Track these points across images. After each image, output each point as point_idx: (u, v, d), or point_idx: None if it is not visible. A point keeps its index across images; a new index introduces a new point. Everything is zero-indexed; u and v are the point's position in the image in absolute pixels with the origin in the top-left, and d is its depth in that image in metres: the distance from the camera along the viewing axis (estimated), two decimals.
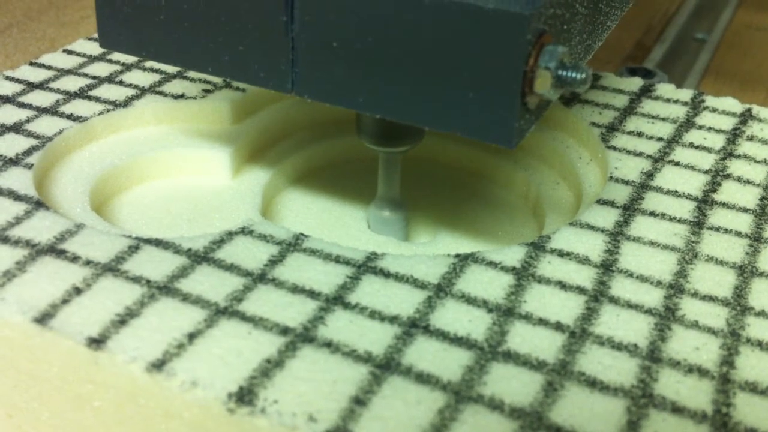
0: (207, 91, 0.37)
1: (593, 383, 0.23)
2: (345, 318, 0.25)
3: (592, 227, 0.29)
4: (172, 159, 0.34)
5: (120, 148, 0.34)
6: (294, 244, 0.28)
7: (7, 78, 0.37)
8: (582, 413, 0.22)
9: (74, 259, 0.26)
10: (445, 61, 0.23)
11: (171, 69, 0.38)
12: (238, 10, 0.25)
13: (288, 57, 0.25)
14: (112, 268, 0.26)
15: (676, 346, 0.24)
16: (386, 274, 0.26)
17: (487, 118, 0.23)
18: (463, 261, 0.27)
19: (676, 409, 0.22)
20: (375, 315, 0.25)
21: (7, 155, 0.32)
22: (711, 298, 0.26)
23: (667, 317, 0.25)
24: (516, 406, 0.22)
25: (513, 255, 0.28)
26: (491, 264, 0.27)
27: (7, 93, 0.36)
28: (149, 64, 0.39)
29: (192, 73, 0.38)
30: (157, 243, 0.27)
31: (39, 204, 0.29)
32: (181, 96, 0.36)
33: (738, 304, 0.26)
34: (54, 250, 0.27)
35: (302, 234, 0.28)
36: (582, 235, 0.29)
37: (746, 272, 0.27)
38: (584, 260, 0.27)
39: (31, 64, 0.38)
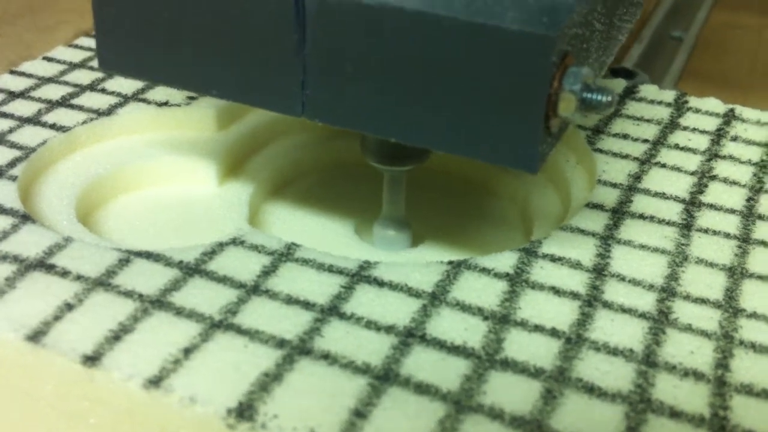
0: (191, 98, 0.36)
1: (591, 389, 0.23)
2: (341, 329, 0.24)
3: (582, 231, 0.29)
4: (157, 168, 0.34)
5: (104, 158, 0.34)
6: (286, 254, 0.27)
7: None
8: (582, 420, 0.22)
9: (64, 273, 0.26)
10: (465, 83, 0.23)
11: None
12: (247, 31, 0.25)
13: (298, 79, 0.24)
14: (103, 282, 0.26)
15: (671, 350, 0.24)
16: (380, 283, 0.26)
17: (509, 143, 0.23)
18: (456, 268, 0.27)
19: (674, 414, 0.22)
20: (371, 325, 0.25)
21: None
22: (703, 301, 0.26)
23: (660, 321, 0.25)
24: (516, 414, 0.22)
25: (506, 261, 0.28)
26: (484, 270, 0.27)
27: None
28: None
29: None
30: (148, 255, 0.27)
31: (25, 217, 0.29)
32: (165, 103, 0.36)
33: (730, 306, 0.26)
34: (43, 265, 0.26)
35: (294, 243, 0.28)
36: (573, 239, 0.29)
37: (736, 274, 0.28)
38: (576, 265, 0.28)
39: (11, 72, 0.38)
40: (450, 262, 0.27)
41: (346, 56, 0.24)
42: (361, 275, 0.27)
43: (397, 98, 0.24)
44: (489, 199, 0.36)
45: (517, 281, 0.27)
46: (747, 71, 0.55)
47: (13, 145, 0.33)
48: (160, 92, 0.37)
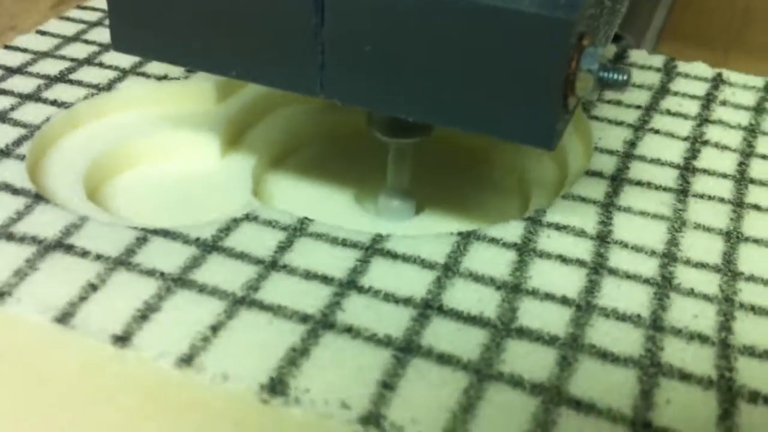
0: (190, 71, 0.36)
1: (604, 355, 0.24)
2: (360, 302, 0.25)
3: (583, 199, 0.30)
4: (160, 143, 0.34)
5: (107, 134, 0.34)
6: (300, 229, 0.28)
7: None
8: (598, 385, 0.23)
9: (84, 254, 0.27)
10: (484, 64, 0.23)
11: None
12: (266, 13, 0.25)
13: (317, 60, 0.25)
14: (124, 261, 0.26)
15: (677, 315, 0.26)
16: (393, 256, 0.27)
17: (527, 122, 0.24)
18: (466, 239, 0.28)
19: (684, 376, 0.23)
20: (389, 298, 0.25)
21: None
22: (703, 265, 0.28)
23: (664, 286, 0.27)
24: (535, 381, 0.23)
25: (513, 231, 0.28)
26: (493, 241, 0.28)
27: None
28: None
29: None
30: (165, 233, 0.28)
31: (38, 197, 0.29)
32: (164, 77, 0.36)
33: (728, 270, 0.27)
34: (62, 245, 0.27)
35: (306, 218, 0.29)
36: (576, 207, 0.30)
37: (732, 238, 0.29)
38: (580, 233, 0.28)
39: (6, 47, 0.38)
40: (459, 233, 0.28)
41: (363, 38, 0.24)
42: (374, 248, 0.27)
43: (414, 79, 0.24)
44: (485, 166, 0.37)
45: (525, 250, 0.28)
46: (725, 29, 0.56)
47: (17, 123, 0.33)
48: (158, 66, 0.37)
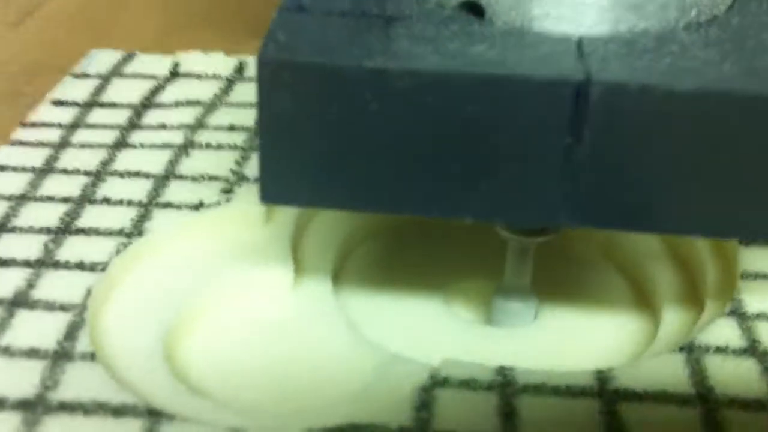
0: (226, 191, 0.29)
1: None
2: None
3: (765, 277, 0.27)
4: (222, 284, 0.27)
5: (154, 291, 0.26)
6: (506, 385, 0.23)
7: None
8: None
9: None
10: None
11: (157, 170, 0.30)
12: (493, 139, 0.19)
13: (565, 185, 0.19)
14: None
15: None
16: (639, 397, 0.22)
17: None
18: (691, 353, 0.24)
19: None
20: None
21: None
22: None
23: None
24: None
25: (728, 332, 0.24)
26: (719, 350, 0.24)
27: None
28: (122, 166, 0.30)
29: (191, 170, 0.30)
30: (355, 429, 0.21)
31: (153, 414, 0.21)
32: (200, 205, 0.29)
33: None
34: None
35: (503, 367, 0.23)
36: (763, 288, 0.26)
37: None
38: None
39: None
40: (681, 349, 0.24)
41: (635, 151, 0.19)
42: (608, 391, 0.22)
43: (698, 191, 0.20)
44: (575, 246, 0.32)
45: (761, 356, 0.24)
46: None
47: (51, 306, 0.24)
48: (178, 190, 0.29)
